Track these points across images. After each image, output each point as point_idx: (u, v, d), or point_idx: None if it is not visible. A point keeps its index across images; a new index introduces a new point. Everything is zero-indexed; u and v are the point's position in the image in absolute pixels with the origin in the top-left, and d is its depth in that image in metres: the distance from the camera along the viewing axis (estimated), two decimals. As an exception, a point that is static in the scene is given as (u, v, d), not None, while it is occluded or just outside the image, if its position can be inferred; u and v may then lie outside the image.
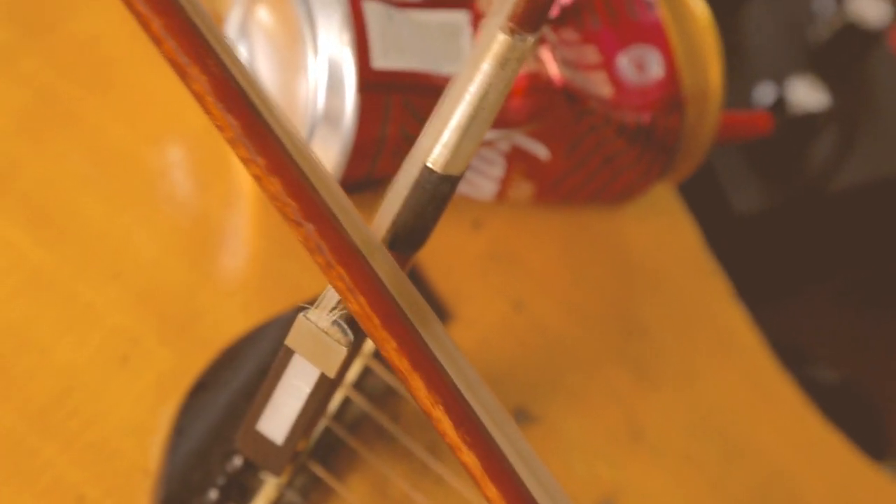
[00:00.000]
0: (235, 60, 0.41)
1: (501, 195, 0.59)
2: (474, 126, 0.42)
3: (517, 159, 0.57)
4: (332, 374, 0.46)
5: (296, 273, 0.57)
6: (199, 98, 0.41)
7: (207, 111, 0.41)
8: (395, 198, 0.44)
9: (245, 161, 0.41)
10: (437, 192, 0.44)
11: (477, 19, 0.55)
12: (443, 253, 0.59)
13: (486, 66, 0.41)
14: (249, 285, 0.56)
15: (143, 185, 0.56)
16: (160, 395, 0.54)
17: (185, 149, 0.57)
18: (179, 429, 0.53)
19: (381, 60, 0.53)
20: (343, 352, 0.45)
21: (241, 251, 0.57)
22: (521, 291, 0.60)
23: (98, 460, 0.53)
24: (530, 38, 0.40)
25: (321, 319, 0.46)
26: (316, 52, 0.53)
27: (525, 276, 0.60)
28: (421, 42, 0.53)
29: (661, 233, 0.63)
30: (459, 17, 0.55)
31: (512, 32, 0.40)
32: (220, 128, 0.41)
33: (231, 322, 0.55)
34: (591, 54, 0.56)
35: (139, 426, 0.53)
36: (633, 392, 0.60)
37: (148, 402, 0.54)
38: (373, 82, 0.53)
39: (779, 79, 0.72)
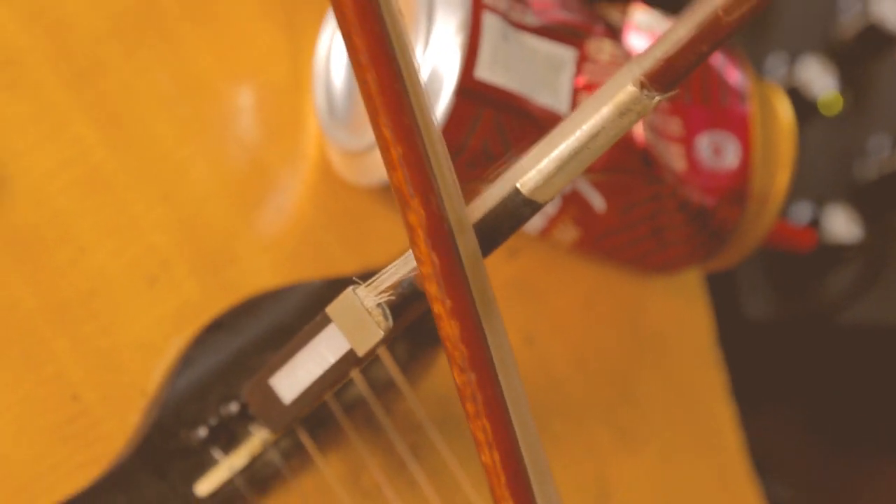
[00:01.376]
0: (451, 194, 0.42)
1: (546, 232, 0.60)
2: (573, 163, 0.43)
3: (573, 203, 0.58)
4: (361, 352, 0.47)
5: (332, 246, 0.58)
6: (409, 228, 0.43)
7: (413, 242, 0.43)
8: (480, 206, 0.45)
9: (431, 298, 0.43)
10: (517, 213, 0.45)
11: (582, 60, 0.56)
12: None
13: (605, 110, 0.42)
14: (285, 245, 0.57)
15: (215, 119, 0.57)
16: (177, 323, 0.55)
17: (264, 98, 0.58)
18: (187, 360, 0.54)
19: (485, 72, 0.54)
20: (380, 335, 0.46)
21: (286, 210, 0.58)
22: (536, 328, 0.61)
23: (102, 368, 0.53)
24: (656, 98, 0.41)
25: (368, 298, 0.47)
26: (426, 46, 0.54)
27: (543, 314, 0.61)
28: (525, 66, 0.55)
29: (678, 314, 0.64)
30: (566, 54, 0.56)
31: (641, 87, 0.41)
32: (419, 261, 0.43)
33: (259, 274, 0.56)
34: (675, 126, 0.58)
35: (149, 347, 0.54)
36: (610, 453, 0.61)
37: (164, 327, 0.54)
38: (471, 90, 0.54)
39: (818, 200, 0.74)
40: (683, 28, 0.40)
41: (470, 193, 0.46)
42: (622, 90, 0.41)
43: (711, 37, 0.39)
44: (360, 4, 0.41)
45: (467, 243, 0.43)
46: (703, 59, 0.40)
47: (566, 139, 0.43)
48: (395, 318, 0.47)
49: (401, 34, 0.41)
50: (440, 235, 0.42)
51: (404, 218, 0.43)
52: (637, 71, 0.41)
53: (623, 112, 0.42)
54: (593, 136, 0.43)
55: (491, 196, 0.44)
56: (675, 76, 0.41)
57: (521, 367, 0.60)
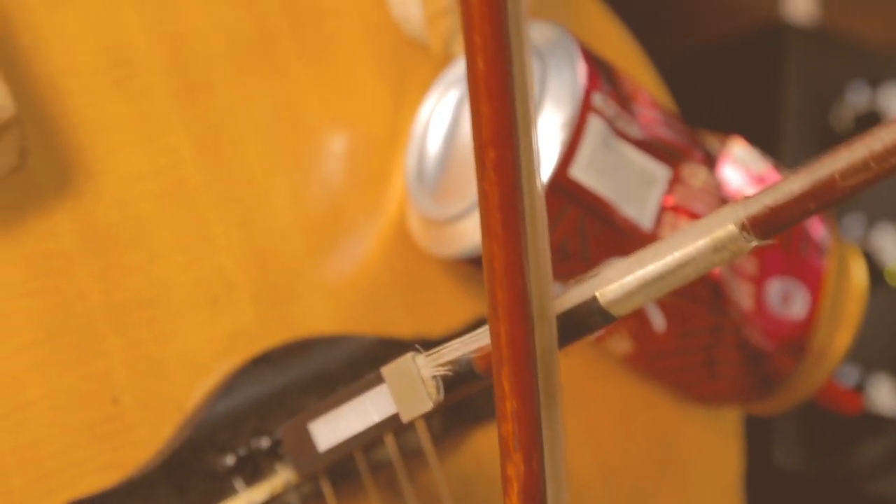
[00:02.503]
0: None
1: (600, 339, 0.60)
2: (657, 285, 0.44)
3: (633, 317, 0.59)
4: (405, 419, 0.48)
5: (392, 306, 0.58)
6: (505, 478, 0.44)
7: (505, 492, 0.44)
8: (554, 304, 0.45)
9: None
10: (589, 320, 0.45)
11: (675, 181, 0.57)
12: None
13: (701, 243, 0.42)
14: (348, 294, 0.58)
15: (306, 158, 0.58)
16: (228, 347, 0.55)
17: (358, 147, 0.59)
18: (229, 386, 0.55)
19: (580, 173, 0.55)
20: (428, 406, 0.47)
21: (356, 261, 0.58)
22: (570, 429, 0.61)
23: (147, 375, 0.54)
24: (754, 243, 0.42)
25: (425, 368, 0.47)
26: (529, 135, 0.55)
27: (580, 417, 0.62)
28: (619, 175, 0.55)
29: (710, 448, 0.65)
30: (661, 172, 0.56)
31: (742, 228, 0.41)
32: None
33: (316, 317, 0.57)
34: (751, 265, 0.58)
35: (197, 365, 0.55)
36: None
37: (215, 348, 0.55)
38: (562, 186, 0.54)
39: (867, 366, 0.74)
40: (797, 182, 0.40)
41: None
42: (723, 227, 0.42)
43: (822, 197, 0.40)
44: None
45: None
46: (809, 217, 0.41)
47: (656, 260, 0.43)
48: (446, 393, 0.47)
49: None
50: (534, 495, 0.43)
51: (502, 467, 0.44)
52: (741, 212, 0.41)
53: (718, 248, 0.42)
54: (683, 265, 0.43)
55: (567, 298, 0.45)
56: (778, 226, 0.41)
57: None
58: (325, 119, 0.58)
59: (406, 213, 0.59)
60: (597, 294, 0.45)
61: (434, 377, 0.47)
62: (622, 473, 0.62)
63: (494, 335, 0.43)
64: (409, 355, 0.47)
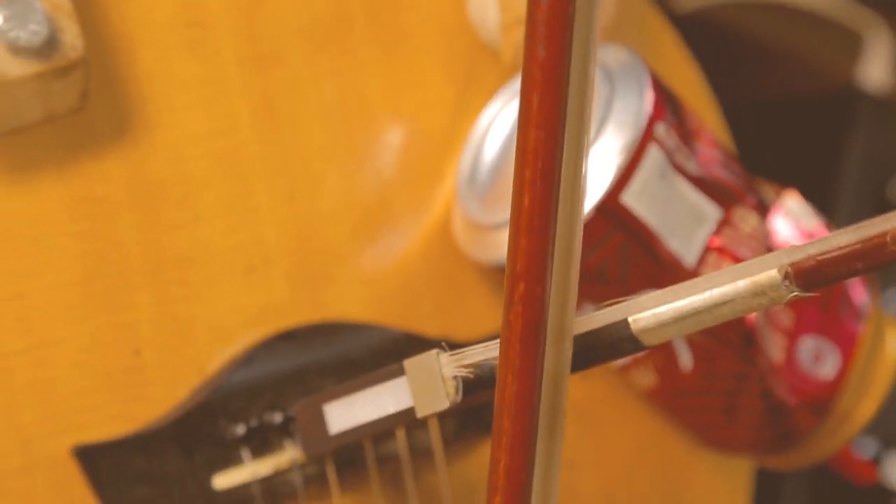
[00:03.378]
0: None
1: (625, 370, 0.60)
2: (691, 320, 0.44)
3: (661, 352, 0.59)
4: (420, 414, 0.48)
5: (425, 304, 0.58)
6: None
7: None
8: (583, 323, 0.45)
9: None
10: (618, 345, 0.45)
11: (724, 223, 0.56)
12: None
13: (741, 284, 0.42)
14: (382, 286, 0.57)
15: (362, 144, 0.58)
16: (256, 318, 0.55)
17: (414, 143, 0.59)
18: (251, 358, 0.55)
19: (631, 199, 0.54)
20: (445, 405, 0.47)
21: (395, 255, 0.58)
22: (582, 455, 0.61)
23: (172, 333, 0.54)
24: (795, 293, 0.41)
25: (448, 367, 0.47)
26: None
27: (593, 444, 0.61)
28: (669, 208, 0.55)
29: (719, 495, 0.64)
30: (712, 211, 0.56)
31: (785, 276, 0.41)
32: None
33: (348, 303, 0.57)
34: (787, 318, 0.58)
35: (222, 331, 0.55)
36: None
37: (243, 317, 0.55)
38: (611, 210, 0.54)
39: (885, 440, 0.74)
40: (847, 238, 0.40)
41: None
42: (765, 272, 0.42)
43: (871, 258, 0.39)
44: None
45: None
46: (854, 276, 0.40)
47: (693, 295, 0.43)
48: (464, 395, 0.47)
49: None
50: None
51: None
52: (786, 260, 0.41)
53: (757, 293, 0.42)
54: (720, 304, 0.43)
55: (598, 318, 0.45)
56: (821, 280, 0.41)
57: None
58: (386, 109, 0.58)
59: (452, 215, 0.59)
60: (630, 319, 0.45)
61: (455, 377, 0.47)
62: (626, 506, 0.62)
63: (494, 465, 0.43)
64: (433, 352, 0.47)
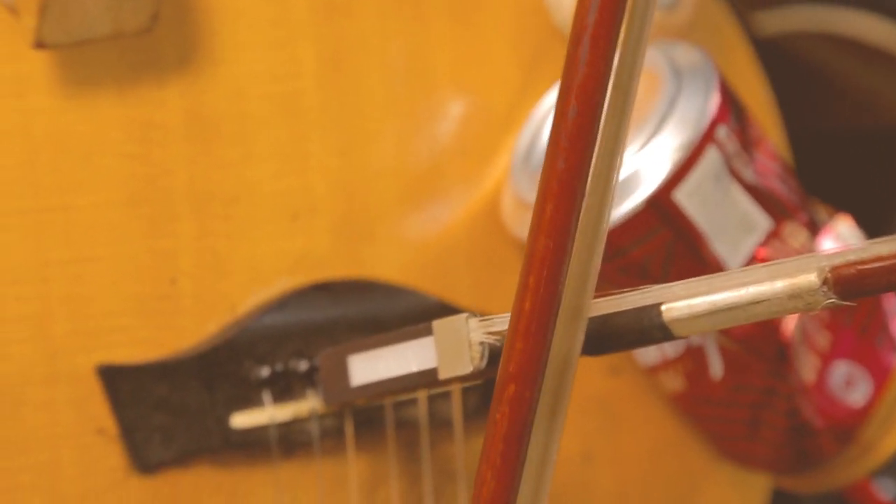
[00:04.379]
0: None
1: (654, 371, 0.60)
2: (724, 316, 0.43)
3: (692, 357, 0.58)
4: (442, 376, 0.48)
5: (462, 276, 0.58)
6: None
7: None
8: (612, 304, 0.45)
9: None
10: (647, 332, 0.45)
11: (773, 236, 0.56)
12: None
13: (779, 285, 0.42)
14: (422, 252, 0.57)
15: (423, 109, 0.58)
16: (294, 265, 0.55)
17: (474, 116, 0.59)
18: (284, 303, 0.55)
19: (683, 197, 0.54)
20: (468, 370, 0.47)
21: (440, 223, 0.58)
22: (600, 449, 0.61)
23: (210, 267, 0.54)
24: (831, 300, 0.41)
25: (476, 332, 0.47)
26: (643, 145, 0.55)
27: (612, 440, 0.61)
28: (720, 212, 0.55)
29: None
30: (763, 222, 0.56)
31: (824, 282, 0.41)
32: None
33: (386, 264, 0.57)
34: (824, 340, 0.58)
35: (260, 272, 0.55)
36: None
37: (281, 262, 0.55)
38: (662, 206, 0.54)
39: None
40: (889, 248, 0.40)
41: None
42: (804, 274, 0.41)
43: (912, 270, 0.39)
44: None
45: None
46: (891, 290, 0.40)
47: (729, 290, 0.43)
48: (488, 363, 0.47)
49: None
50: None
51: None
52: (826, 264, 0.41)
53: (794, 295, 0.42)
54: (754, 302, 0.42)
55: (629, 300, 0.44)
56: (859, 289, 0.40)
57: (566, 479, 0.60)
58: (450, 79, 0.58)
59: (502, 192, 0.59)
60: (662, 307, 0.44)
61: (482, 343, 0.47)
62: (637, 506, 0.61)
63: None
64: (463, 315, 0.47)
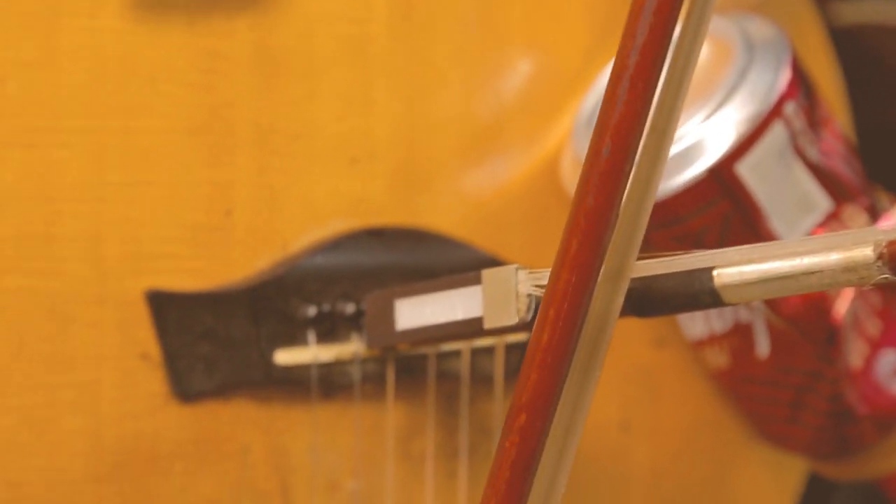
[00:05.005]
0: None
1: (699, 346, 0.59)
2: (776, 285, 0.43)
3: (740, 334, 0.58)
4: (487, 326, 0.48)
5: (515, 235, 0.58)
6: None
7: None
8: (663, 266, 0.45)
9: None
10: (697, 296, 0.44)
11: (832, 217, 0.56)
12: (615, 351, 0.59)
13: (833, 257, 0.41)
14: (478, 207, 0.57)
15: (491, 63, 0.57)
16: (349, 208, 0.55)
17: (541, 75, 0.58)
18: (336, 245, 0.55)
19: (745, 170, 0.54)
20: (513, 321, 0.47)
21: (498, 180, 0.58)
22: (638, 420, 0.61)
23: (265, 202, 0.54)
24: (885, 276, 0.41)
25: (524, 283, 0.47)
26: (709, 115, 0.54)
27: (650, 413, 0.61)
28: (781, 189, 0.54)
29: (764, 490, 0.63)
30: (823, 202, 0.55)
31: (879, 257, 0.40)
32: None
33: (441, 215, 0.57)
34: (874, 327, 0.57)
35: (314, 213, 0.55)
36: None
37: (337, 204, 0.55)
38: (723, 177, 0.54)
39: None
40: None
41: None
42: (860, 247, 0.41)
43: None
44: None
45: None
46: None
47: (782, 259, 0.43)
48: (534, 317, 0.47)
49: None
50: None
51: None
52: (883, 238, 0.40)
53: (848, 269, 0.41)
54: (808, 273, 0.42)
55: (680, 263, 0.44)
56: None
57: (602, 446, 0.60)
58: (521, 35, 0.58)
59: (562, 153, 0.59)
60: (715, 273, 0.44)
61: (529, 295, 0.47)
62: (670, 479, 0.61)
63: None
64: (512, 266, 0.47)
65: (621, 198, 0.43)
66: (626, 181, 0.43)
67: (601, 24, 0.59)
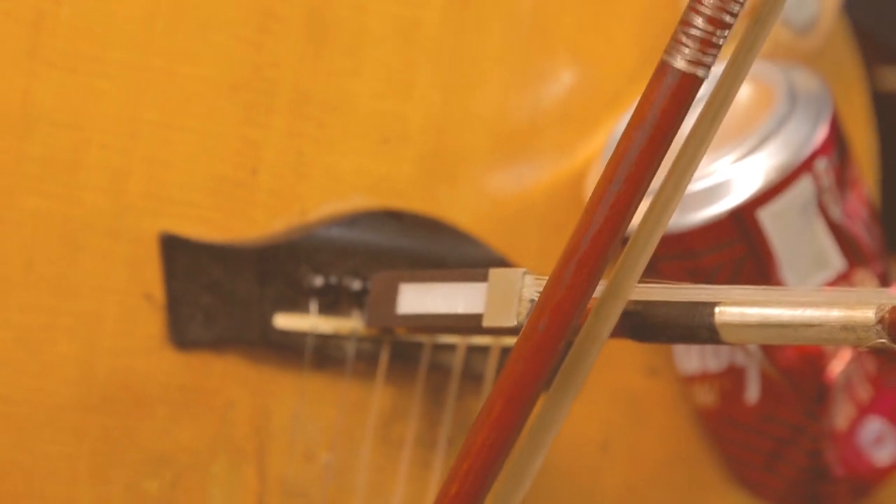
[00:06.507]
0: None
1: (690, 381, 0.60)
2: (774, 332, 0.43)
3: (731, 377, 0.58)
4: (486, 323, 0.48)
5: (532, 241, 0.58)
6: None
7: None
8: (663, 293, 0.45)
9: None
10: (694, 330, 0.45)
11: (843, 278, 0.56)
12: (607, 373, 0.59)
13: (834, 313, 0.42)
14: (501, 208, 0.58)
15: (535, 67, 0.58)
16: (372, 186, 0.56)
17: (583, 88, 0.59)
18: (353, 220, 0.55)
19: (766, 217, 0.54)
20: (511, 323, 0.47)
21: (524, 183, 0.58)
22: (619, 442, 0.61)
23: (290, 167, 0.55)
24: (883, 341, 0.41)
25: (528, 287, 0.47)
26: (740, 158, 0.55)
27: (633, 438, 0.61)
28: (798, 241, 0.55)
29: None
30: (837, 262, 0.56)
31: (880, 321, 0.41)
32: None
33: (461, 209, 0.57)
34: (864, 393, 0.57)
35: (337, 184, 0.56)
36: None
37: (361, 181, 0.56)
38: (743, 220, 0.54)
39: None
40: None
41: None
42: (862, 308, 0.41)
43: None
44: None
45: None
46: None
47: (784, 307, 0.43)
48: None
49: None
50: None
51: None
52: (887, 304, 0.41)
53: (847, 328, 0.42)
54: (807, 325, 0.43)
55: (684, 293, 0.45)
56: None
57: (580, 463, 0.60)
58: (569, 46, 0.59)
59: (590, 170, 0.59)
60: (717, 309, 0.44)
61: (532, 300, 0.47)
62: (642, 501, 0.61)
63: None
64: (520, 269, 0.48)
65: (548, 375, 0.44)
66: (557, 359, 0.44)
67: (649, 49, 0.59)
